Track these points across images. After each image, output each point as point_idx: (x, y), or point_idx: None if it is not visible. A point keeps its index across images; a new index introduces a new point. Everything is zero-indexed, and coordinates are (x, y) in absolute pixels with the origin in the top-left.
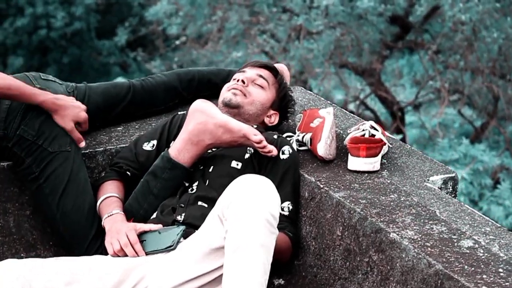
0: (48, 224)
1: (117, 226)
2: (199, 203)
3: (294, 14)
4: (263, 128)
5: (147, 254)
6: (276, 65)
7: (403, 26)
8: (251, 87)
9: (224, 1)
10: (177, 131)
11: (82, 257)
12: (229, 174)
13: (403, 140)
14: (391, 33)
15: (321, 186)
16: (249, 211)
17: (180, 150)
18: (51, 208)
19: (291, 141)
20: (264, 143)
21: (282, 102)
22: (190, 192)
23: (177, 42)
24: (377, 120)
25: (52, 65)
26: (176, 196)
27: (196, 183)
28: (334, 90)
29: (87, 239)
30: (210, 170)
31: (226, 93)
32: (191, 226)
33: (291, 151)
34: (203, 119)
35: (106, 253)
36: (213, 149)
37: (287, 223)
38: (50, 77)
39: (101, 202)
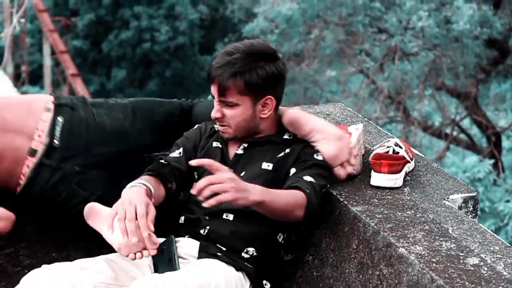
0: None
1: (131, 193)
2: (224, 216)
3: (390, 35)
4: (276, 130)
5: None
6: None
7: (502, 50)
8: (226, 111)
9: (320, 20)
10: (199, 141)
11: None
12: (260, 176)
13: (496, 165)
14: (487, 56)
15: (341, 199)
16: None
17: None
18: None
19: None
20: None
21: (260, 90)
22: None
23: None
24: (472, 144)
25: (155, 78)
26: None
27: None
28: (431, 112)
29: None
30: (242, 175)
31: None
32: (212, 242)
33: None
34: None
35: None
36: (245, 145)
37: (308, 186)
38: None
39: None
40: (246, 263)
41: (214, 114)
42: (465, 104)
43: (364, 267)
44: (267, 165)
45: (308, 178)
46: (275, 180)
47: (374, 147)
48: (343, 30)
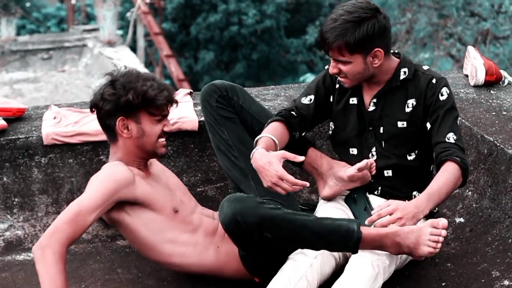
0: None
1: (261, 161)
2: (385, 173)
3: (482, 19)
4: (391, 72)
5: None
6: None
7: None
8: (342, 67)
9: (414, 3)
10: (331, 83)
11: None
12: (397, 134)
13: None
14: None
15: (498, 144)
16: None
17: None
18: None
19: None
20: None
21: (368, 45)
22: (372, 159)
23: None
24: None
25: (241, 60)
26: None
27: (374, 149)
28: None
29: None
30: (381, 131)
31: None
32: (390, 195)
33: (448, 91)
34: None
35: None
36: (374, 101)
37: (454, 149)
38: None
39: (257, 140)
40: None
41: (332, 70)
42: None
43: None
44: (401, 124)
45: (450, 136)
46: (411, 133)
47: None
48: (436, 13)
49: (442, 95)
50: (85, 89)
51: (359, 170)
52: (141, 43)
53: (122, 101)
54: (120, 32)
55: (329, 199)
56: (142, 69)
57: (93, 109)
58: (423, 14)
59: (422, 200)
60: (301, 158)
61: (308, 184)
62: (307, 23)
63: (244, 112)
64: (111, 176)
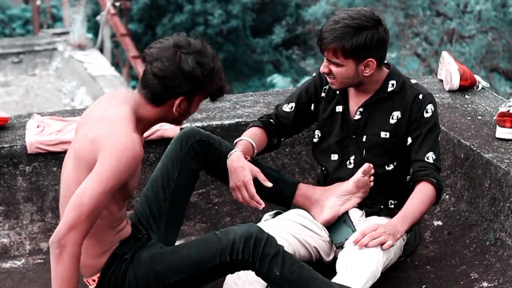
0: None
1: (235, 163)
2: None
3: (448, 18)
4: (380, 83)
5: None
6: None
7: None
8: (333, 68)
9: (380, 3)
10: (315, 92)
11: None
12: (380, 144)
13: None
14: None
15: (474, 148)
16: None
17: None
18: None
19: None
20: None
21: (362, 54)
22: (348, 167)
23: None
24: None
25: None
26: (337, 170)
27: (353, 157)
28: None
29: None
30: (364, 140)
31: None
32: (366, 205)
33: (433, 109)
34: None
35: None
36: (361, 110)
37: (431, 170)
38: None
39: (236, 142)
40: (395, 210)
41: (323, 69)
42: None
43: (496, 201)
44: (384, 134)
45: (429, 155)
46: (392, 145)
47: (499, 108)
48: (402, 13)
49: (427, 112)
50: (56, 93)
51: (364, 173)
52: (107, 44)
53: (201, 88)
54: (89, 35)
55: (329, 222)
56: (112, 72)
57: (159, 75)
58: (390, 14)
59: (397, 220)
60: (269, 184)
61: (261, 207)
62: (273, 23)
63: (216, 152)
64: (130, 160)
